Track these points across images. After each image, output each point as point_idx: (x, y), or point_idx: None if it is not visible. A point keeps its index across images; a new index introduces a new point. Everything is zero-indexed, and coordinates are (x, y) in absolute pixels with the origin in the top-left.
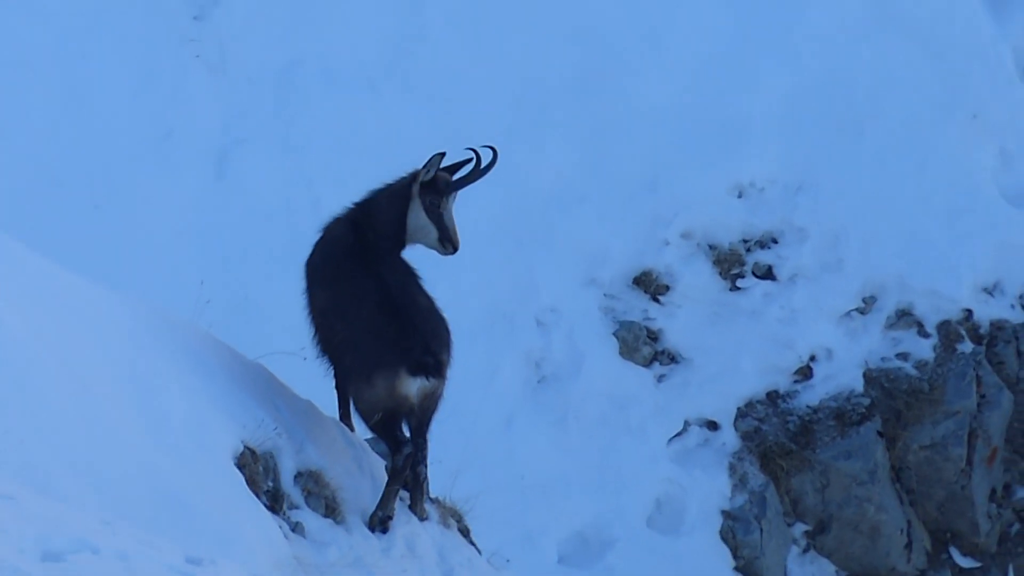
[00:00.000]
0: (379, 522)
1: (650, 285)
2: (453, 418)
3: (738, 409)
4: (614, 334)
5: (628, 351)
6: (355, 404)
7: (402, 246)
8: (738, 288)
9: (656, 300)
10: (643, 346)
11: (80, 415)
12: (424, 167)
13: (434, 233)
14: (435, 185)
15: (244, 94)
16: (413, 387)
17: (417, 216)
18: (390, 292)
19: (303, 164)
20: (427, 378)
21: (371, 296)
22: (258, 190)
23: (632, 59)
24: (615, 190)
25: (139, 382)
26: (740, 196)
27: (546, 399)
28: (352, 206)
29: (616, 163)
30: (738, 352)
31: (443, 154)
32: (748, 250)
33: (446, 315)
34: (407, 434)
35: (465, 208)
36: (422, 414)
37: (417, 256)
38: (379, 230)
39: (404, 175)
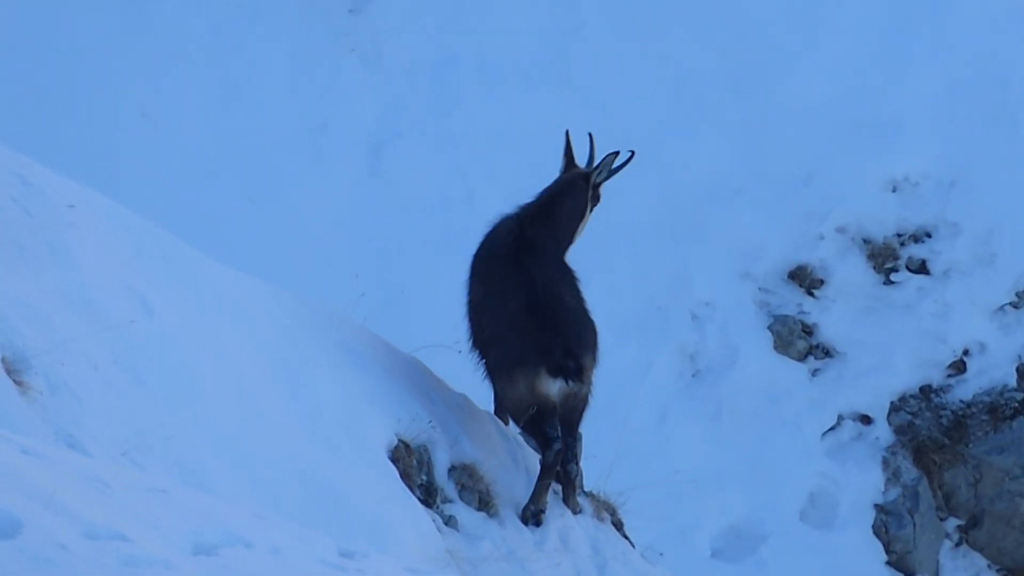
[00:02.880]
0: (532, 516)
1: (804, 279)
2: (607, 412)
3: (891, 403)
4: (768, 328)
5: (782, 345)
6: (501, 400)
7: (571, 245)
8: (892, 282)
9: (810, 294)
10: (797, 340)
11: (233, 409)
12: (597, 168)
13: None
14: (599, 186)
15: (399, 88)
16: (554, 388)
17: (587, 217)
18: (538, 291)
19: (458, 158)
20: (567, 381)
21: (520, 294)
22: (413, 184)
23: (787, 53)
24: (770, 184)
25: (293, 375)
26: (894, 191)
27: (700, 393)
28: (526, 204)
29: (771, 157)
30: (892, 346)
31: (616, 154)
32: (902, 244)
33: (596, 316)
34: (557, 430)
35: (621, 201)
36: (567, 414)
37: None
38: (557, 231)
39: (572, 174)
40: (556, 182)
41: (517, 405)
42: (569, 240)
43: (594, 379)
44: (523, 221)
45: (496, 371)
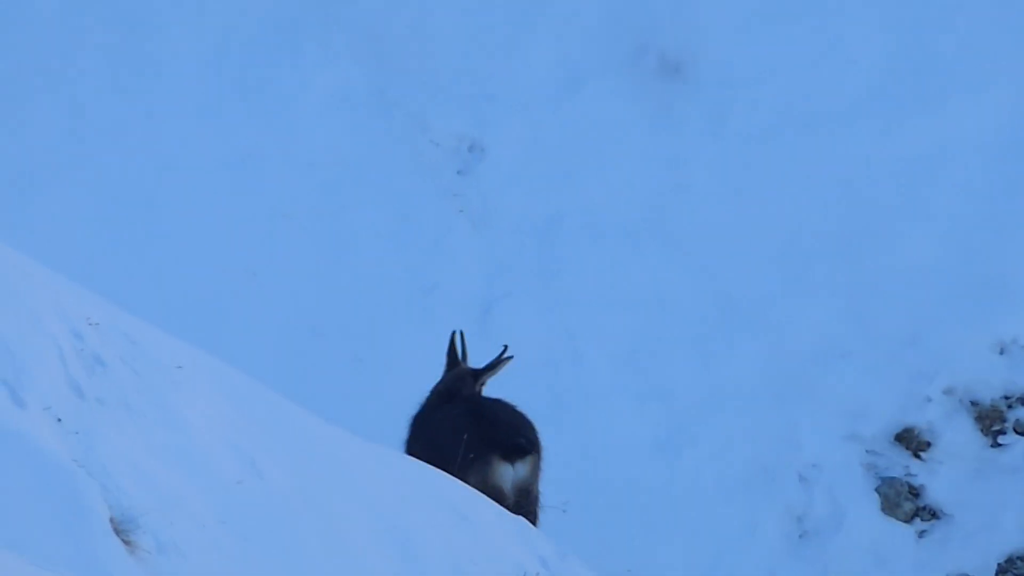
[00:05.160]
0: None
1: (911, 441)
2: (714, 572)
3: (998, 565)
4: (876, 490)
5: (889, 507)
6: None
7: None
8: (999, 445)
9: (918, 456)
10: (904, 502)
11: (341, 571)
12: (486, 367)
13: None
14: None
15: (507, 248)
16: (506, 476)
17: None
18: (474, 406)
19: (565, 317)
20: (523, 460)
21: (457, 413)
22: (520, 343)
23: (894, 214)
24: (877, 345)
25: (400, 536)
26: (1002, 352)
27: (807, 554)
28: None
29: (878, 318)
30: (999, 508)
31: (506, 356)
32: (1009, 407)
33: (705, 475)
34: None
35: (730, 362)
36: (520, 507)
37: (678, 412)
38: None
39: (460, 371)
40: (444, 379)
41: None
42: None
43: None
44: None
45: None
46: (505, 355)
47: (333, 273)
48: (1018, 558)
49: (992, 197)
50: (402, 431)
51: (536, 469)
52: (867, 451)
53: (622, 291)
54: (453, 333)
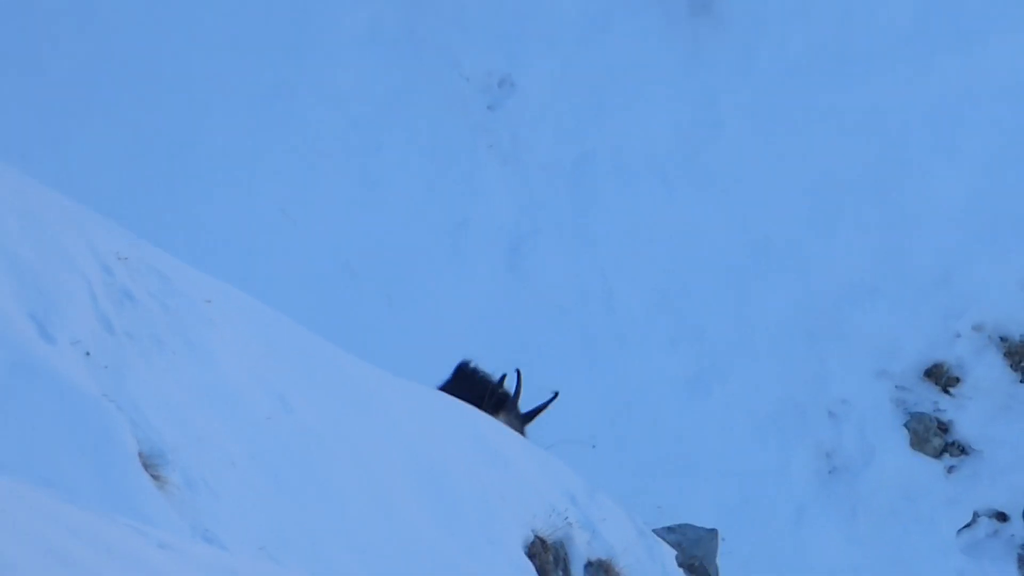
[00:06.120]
0: None
1: (941, 377)
2: (744, 508)
3: None
4: (905, 425)
5: (919, 443)
6: None
7: None
8: None
9: (947, 392)
10: (933, 438)
11: (371, 505)
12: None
13: None
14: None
15: (537, 184)
16: None
17: None
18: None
19: (596, 255)
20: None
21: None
22: (551, 281)
23: (925, 153)
24: (907, 283)
25: (430, 472)
26: None
27: (837, 490)
28: None
29: (908, 256)
30: None
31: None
32: None
33: (736, 413)
34: None
35: (761, 301)
36: None
37: (709, 351)
38: None
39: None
40: None
41: None
42: None
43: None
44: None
45: None
46: (552, 400)
47: (364, 210)
48: None
49: (1019, 136)
50: (434, 366)
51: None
52: (896, 387)
53: (653, 229)
54: (518, 372)
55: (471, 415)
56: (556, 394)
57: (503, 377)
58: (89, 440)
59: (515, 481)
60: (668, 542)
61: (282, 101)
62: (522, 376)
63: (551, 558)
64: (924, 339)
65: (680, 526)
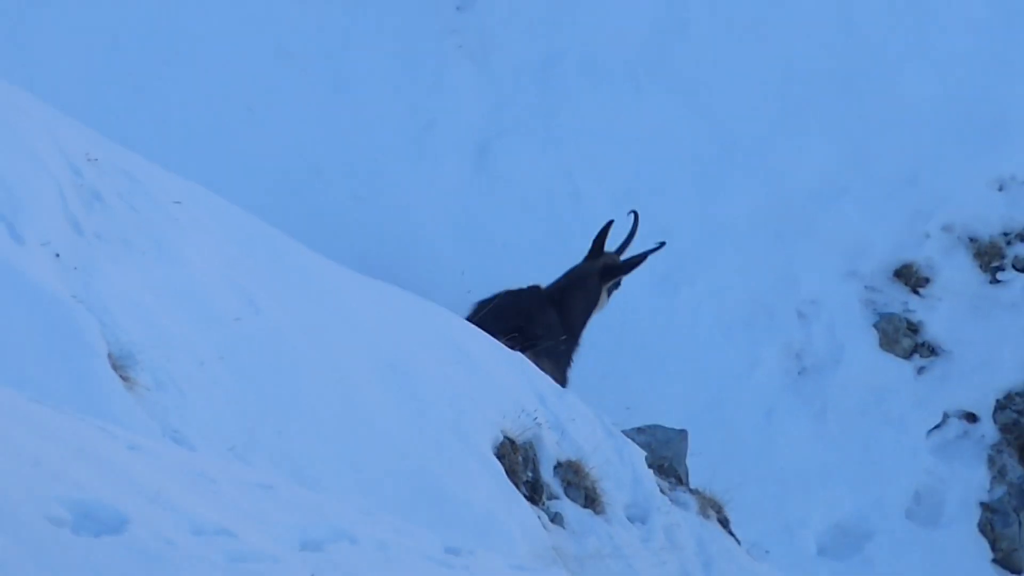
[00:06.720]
0: None
1: (910, 278)
2: (713, 409)
3: (997, 401)
4: (874, 326)
5: (888, 343)
6: None
7: (583, 328)
8: (998, 281)
9: (916, 292)
10: (903, 338)
11: (340, 405)
12: (622, 265)
13: None
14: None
15: (506, 86)
16: None
17: (604, 302)
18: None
19: (564, 156)
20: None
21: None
22: (519, 181)
23: (894, 53)
24: (876, 183)
25: (399, 372)
26: (1001, 189)
27: (806, 390)
28: (547, 288)
29: (877, 156)
30: (998, 345)
31: (650, 252)
32: (1008, 243)
33: (703, 314)
34: None
35: (727, 201)
36: None
37: (676, 251)
38: (568, 317)
39: (587, 269)
40: (571, 274)
41: None
42: (581, 325)
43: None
44: (535, 305)
45: None
46: (658, 248)
47: (331, 110)
48: (1016, 394)
49: (992, 34)
50: (402, 265)
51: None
52: (866, 287)
53: (621, 129)
54: (608, 223)
55: (440, 315)
56: (662, 243)
57: (610, 223)
58: (59, 341)
59: (484, 381)
60: (637, 443)
61: (254, 8)
62: (639, 218)
63: (520, 459)
64: (893, 239)
65: (649, 427)
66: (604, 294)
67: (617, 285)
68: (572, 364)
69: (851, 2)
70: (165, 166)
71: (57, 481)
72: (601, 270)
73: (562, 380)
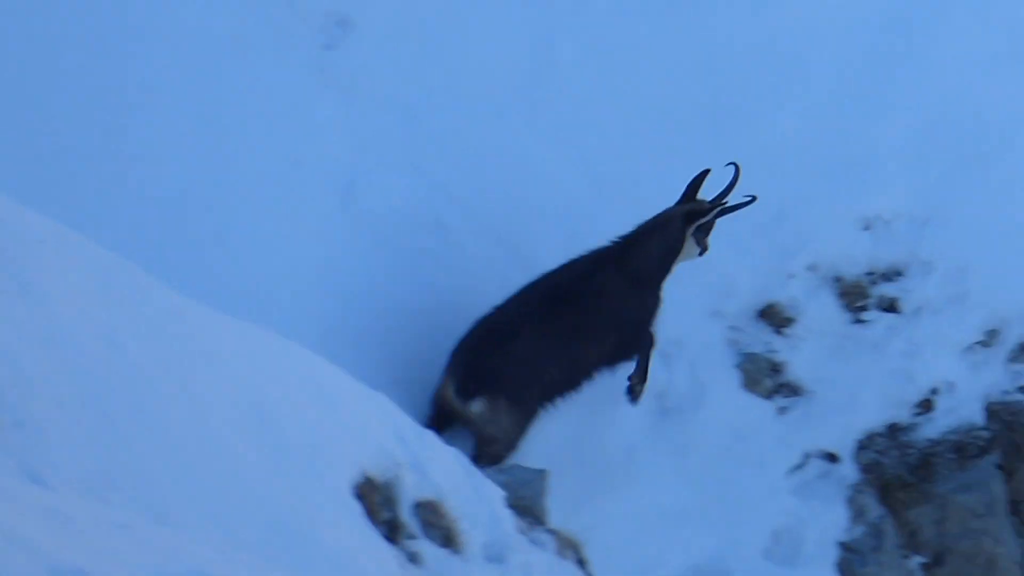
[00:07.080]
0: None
1: (775, 317)
2: (575, 447)
3: (858, 441)
4: (737, 366)
5: (751, 383)
6: None
7: (664, 278)
8: (862, 321)
9: (780, 332)
10: (765, 378)
11: (198, 443)
12: (707, 209)
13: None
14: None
15: (374, 122)
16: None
17: (685, 251)
18: (508, 316)
19: (432, 198)
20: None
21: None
22: (385, 215)
23: (761, 91)
24: (742, 222)
25: (259, 411)
26: (867, 228)
27: (668, 430)
28: (620, 237)
29: (743, 195)
30: (860, 385)
31: (746, 201)
32: (873, 283)
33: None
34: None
35: (594, 237)
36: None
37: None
38: (640, 268)
39: (671, 213)
40: (655, 218)
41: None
42: (661, 275)
43: (507, 427)
44: (602, 263)
45: None
46: (750, 201)
47: (194, 147)
48: (878, 434)
49: (857, 73)
50: (265, 308)
51: (488, 417)
52: (730, 327)
53: (488, 164)
54: (704, 171)
55: (301, 355)
56: (754, 197)
57: (706, 171)
58: None
59: (344, 422)
60: (497, 483)
61: (114, 41)
62: (740, 169)
63: (379, 499)
64: (758, 278)
65: (509, 467)
66: (690, 240)
67: (706, 231)
68: (655, 318)
69: (717, 40)
70: (26, 202)
71: None
72: (685, 213)
73: (647, 341)
